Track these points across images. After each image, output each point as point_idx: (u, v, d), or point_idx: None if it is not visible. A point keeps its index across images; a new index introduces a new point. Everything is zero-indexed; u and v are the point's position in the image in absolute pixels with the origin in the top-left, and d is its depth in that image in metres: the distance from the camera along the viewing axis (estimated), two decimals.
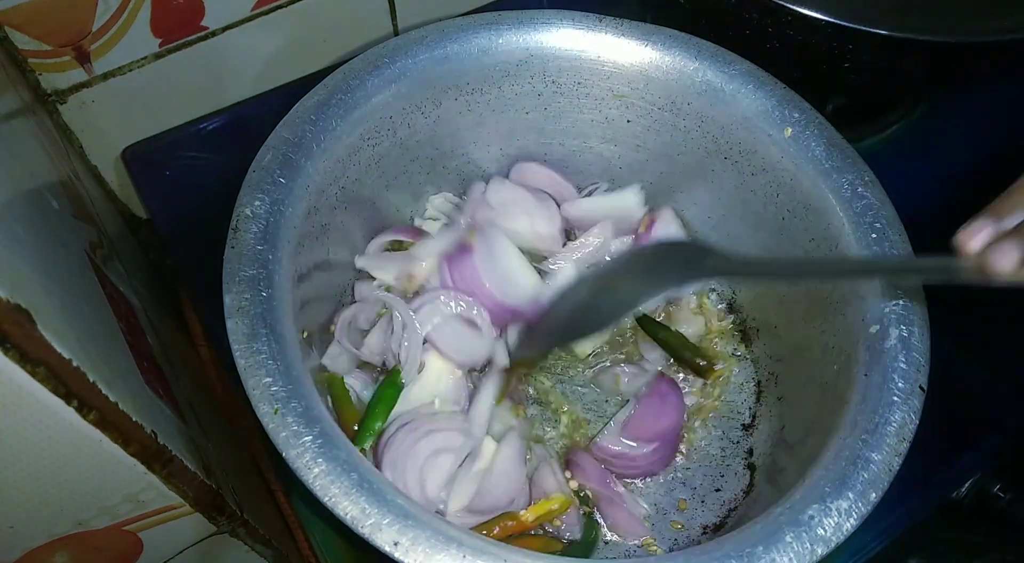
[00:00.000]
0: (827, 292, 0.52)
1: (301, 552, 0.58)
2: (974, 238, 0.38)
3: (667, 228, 0.62)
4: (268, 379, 0.42)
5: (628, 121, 0.61)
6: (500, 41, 0.57)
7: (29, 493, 0.39)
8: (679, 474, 0.57)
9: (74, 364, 0.35)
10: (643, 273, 0.49)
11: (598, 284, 0.51)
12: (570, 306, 0.51)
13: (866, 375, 0.46)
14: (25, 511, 0.40)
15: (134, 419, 0.39)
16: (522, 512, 0.51)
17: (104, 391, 0.37)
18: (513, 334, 0.56)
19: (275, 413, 0.41)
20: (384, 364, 0.56)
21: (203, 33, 0.65)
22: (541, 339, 0.54)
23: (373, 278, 0.59)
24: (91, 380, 0.36)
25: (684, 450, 0.58)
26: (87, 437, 0.37)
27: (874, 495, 0.42)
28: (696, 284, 0.59)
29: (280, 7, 0.67)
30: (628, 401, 0.57)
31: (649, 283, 0.48)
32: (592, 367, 0.61)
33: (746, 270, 0.51)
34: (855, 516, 0.41)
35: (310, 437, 0.40)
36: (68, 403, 0.34)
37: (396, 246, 0.61)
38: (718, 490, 0.56)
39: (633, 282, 0.49)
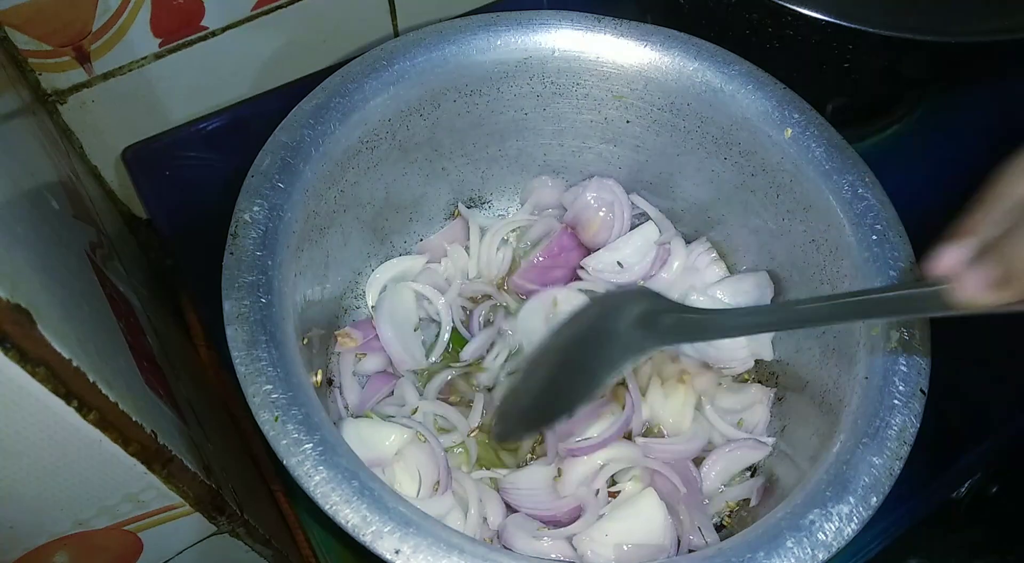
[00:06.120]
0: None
1: (301, 552, 0.58)
2: (941, 262, 0.35)
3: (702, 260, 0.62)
4: (268, 386, 0.41)
5: (628, 121, 0.61)
6: (499, 42, 0.57)
7: (29, 493, 0.38)
8: None
9: (74, 364, 0.34)
10: (601, 344, 0.43)
11: (554, 361, 0.46)
12: (535, 388, 0.47)
13: (866, 378, 0.46)
14: (25, 511, 0.40)
15: (134, 419, 0.39)
16: None
17: (104, 391, 0.37)
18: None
19: (275, 420, 0.41)
20: None
21: (203, 33, 0.65)
22: (516, 425, 0.49)
23: None
24: (91, 380, 0.36)
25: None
26: (87, 437, 0.36)
27: (875, 499, 0.41)
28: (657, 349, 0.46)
29: (280, 7, 0.67)
30: None
31: (609, 359, 0.42)
32: None
33: (707, 325, 0.44)
34: (856, 521, 0.41)
35: (310, 444, 0.40)
36: (68, 403, 0.34)
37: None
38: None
39: (593, 356, 0.43)
